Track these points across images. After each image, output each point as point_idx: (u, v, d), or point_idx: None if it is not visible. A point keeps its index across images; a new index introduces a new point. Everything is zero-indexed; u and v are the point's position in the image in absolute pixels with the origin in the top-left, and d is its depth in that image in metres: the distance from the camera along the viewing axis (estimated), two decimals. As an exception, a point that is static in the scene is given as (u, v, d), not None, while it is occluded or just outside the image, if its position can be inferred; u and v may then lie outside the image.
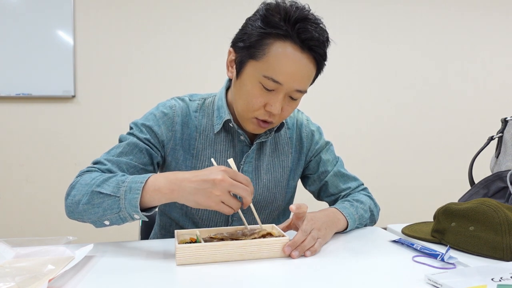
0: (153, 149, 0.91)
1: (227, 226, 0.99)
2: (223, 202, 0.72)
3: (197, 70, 2.74)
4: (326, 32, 0.84)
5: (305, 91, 0.87)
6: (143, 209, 0.75)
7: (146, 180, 0.74)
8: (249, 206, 0.77)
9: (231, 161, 0.79)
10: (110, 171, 0.84)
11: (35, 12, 2.49)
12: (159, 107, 0.96)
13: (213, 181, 0.70)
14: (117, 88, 2.66)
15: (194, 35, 2.75)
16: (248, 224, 0.83)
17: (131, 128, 0.93)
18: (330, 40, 0.85)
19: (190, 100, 0.99)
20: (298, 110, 1.11)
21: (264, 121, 0.88)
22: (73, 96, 2.59)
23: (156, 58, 2.70)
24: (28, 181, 2.58)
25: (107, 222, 0.77)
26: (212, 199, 0.71)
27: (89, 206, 0.76)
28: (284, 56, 0.80)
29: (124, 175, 0.79)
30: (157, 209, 1.08)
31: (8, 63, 2.47)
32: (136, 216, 0.75)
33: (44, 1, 2.50)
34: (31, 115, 2.56)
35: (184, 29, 2.74)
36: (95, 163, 0.87)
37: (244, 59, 0.84)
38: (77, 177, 0.83)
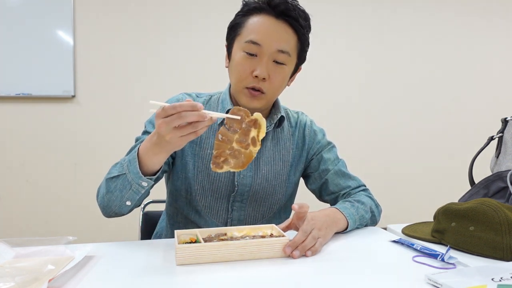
0: None
1: (228, 213, 1.01)
2: (182, 136, 0.70)
3: (198, 70, 2.74)
4: (304, 10, 0.92)
5: (288, 53, 0.91)
6: (149, 174, 0.81)
7: (139, 147, 0.80)
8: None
9: (152, 102, 0.71)
10: None
11: (35, 12, 2.49)
12: (168, 101, 1.03)
13: (158, 133, 0.72)
14: (117, 88, 2.66)
15: (195, 35, 2.74)
16: (247, 221, 0.83)
17: (145, 126, 1.00)
18: (309, 16, 0.93)
19: (197, 96, 1.07)
20: (302, 113, 1.15)
21: (254, 89, 0.92)
22: (73, 96, 2.59)
23: (156, 58, 2.70)
24: (28, 181, 2.58)
25: (128, 203, 0.83)
26: (172, 144, 0.72)
27: (109, 194, 0.83)
28: (259, 20, 0.90)
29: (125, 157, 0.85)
30: (165, 200, 1.11)
31: (8, 63, 2.47)
32: (144, 184, 0.80)
33: (44, 1, 2.49)
34: (31, 115, 2.56)
35: (184, 28, 2.73)
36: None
37: (232, 40, 0.95)
38: None
